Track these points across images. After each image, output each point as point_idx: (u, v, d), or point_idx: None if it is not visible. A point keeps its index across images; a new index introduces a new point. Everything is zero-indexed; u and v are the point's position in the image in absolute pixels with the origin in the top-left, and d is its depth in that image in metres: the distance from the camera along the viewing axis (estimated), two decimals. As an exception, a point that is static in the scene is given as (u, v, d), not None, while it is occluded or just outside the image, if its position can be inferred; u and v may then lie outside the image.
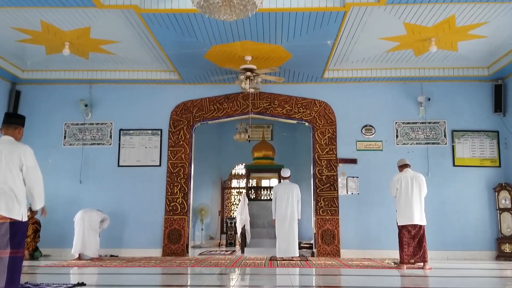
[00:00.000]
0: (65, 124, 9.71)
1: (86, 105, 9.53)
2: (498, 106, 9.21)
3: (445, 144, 9.42)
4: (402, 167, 7.43)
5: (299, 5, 6.26)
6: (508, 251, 8.67)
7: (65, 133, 9.68)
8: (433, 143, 9.42)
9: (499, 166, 9.28)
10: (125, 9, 6.45)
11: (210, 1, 4.63)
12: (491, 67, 9.00)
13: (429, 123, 9.48)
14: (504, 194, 8.93)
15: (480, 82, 9.50)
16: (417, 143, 9.43)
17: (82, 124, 9.69)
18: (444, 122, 9.48)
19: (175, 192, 9.38)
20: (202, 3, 4.67)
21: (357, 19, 6.88)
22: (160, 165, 9.53)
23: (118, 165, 9.57)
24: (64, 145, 9.65)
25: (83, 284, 4.78)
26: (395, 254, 7.62)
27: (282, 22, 6.74)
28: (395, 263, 7.45)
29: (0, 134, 4.02)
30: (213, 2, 4.64)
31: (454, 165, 9.35)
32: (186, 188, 9.41)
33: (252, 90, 8.48)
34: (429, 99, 9.38)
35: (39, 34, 7.46)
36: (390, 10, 6.57)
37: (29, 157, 3.84)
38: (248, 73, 8.07)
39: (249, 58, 8.14)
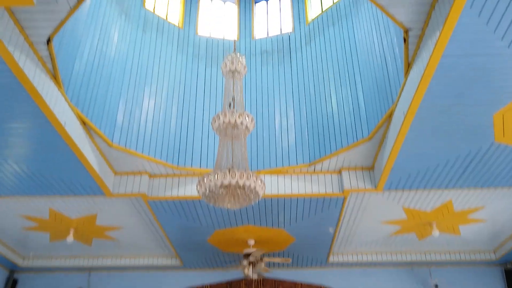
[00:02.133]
0: (59, 315, 9.12)
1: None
2: (513, 292, 8.75)
3: (466, 335, 8.65)
4: None
5: (300, 191, 6.50)
6: None
7: (56, 325, 9.02)
8: (452, 335, 8.66)
9: None
10: (133, 197, 6.70)
11: (215, 192, 4.81)
12: (498, 251, 8.84)
13: (444, 311, 8.87)
14: None
15: (489, 267, 9.19)
16: (434, 335, 8.68)
17: (74, 317, 9.09)
18: (460, 310, 8.89)
19: None
20: (207, 193, 4.85)
21: (357, 204, 7.07)
22: None
23: None
24: None
25: None
26: None
27: (284, 207, 6.91)
28: None
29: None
30: (218, 193, 4.82)
31: None
32: None
33: (255, 277, 8.20)
34: (436, 286, 8.91)
35: (46, 222, 7.59)
36: (388, 196, 6.79)
37: None
38: (252, 258, 7.92)
39: (252, 242, 8.09)
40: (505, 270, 8.97)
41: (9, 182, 6.17)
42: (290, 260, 8.12)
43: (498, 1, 3.67)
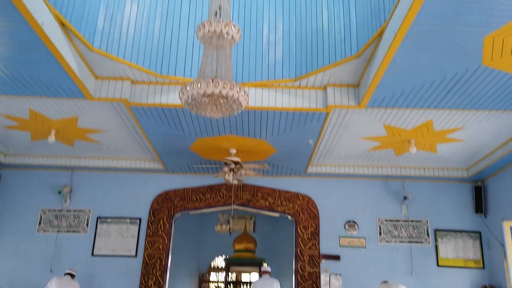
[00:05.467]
0: (42, 210, 9.43)
1: (59, 192, 9.36)
2: (479, 207, 9.29)
3: (429, 243, 9.32)
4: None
5: (283, 105, 6.48)
6: None
7: (41, 219, 9.36)
8: (416, 242, 9.32)
9: (483, 267, 9.14)
10: (114, 102, 6.59)
11: (197, 100, 4.76)
12: (470, 169, 9.22)
13: (412, 221, 9.45)
14: (489, 297, 8.71)
15: (460, 183, 9.64)
16: (400, 241, 9.32)
17: (59, 210, 9.42)
18: (427, 221, 9.47)
19: (149, 285, 8.92)
20: (189, 101, 4.80)
21: (339, 120, 7.13)
22: (136, 256, 9.16)
23: (92, 255, 9.17)
24: (38, 231, 9.29)
25: None
26: None
27: (267, 120, 6.93)
28: None
29: None
30: (200, 101, 4.78)
31: (438, 265, 9.17)
32: (161, 282, 8.98)
33: (235, 182, 8.47)
34: (405, 198, 9.38)
35: (27, 122, 7.52)
36: (370, 113, 6.83)
37: None
38: (232, 165, 8.11)
39: (234, 151, 8.24)
40: (475, 187, 9.43)
41: (-15, 81, 5.99)
42: (267, 167, 8.25)
43: None
